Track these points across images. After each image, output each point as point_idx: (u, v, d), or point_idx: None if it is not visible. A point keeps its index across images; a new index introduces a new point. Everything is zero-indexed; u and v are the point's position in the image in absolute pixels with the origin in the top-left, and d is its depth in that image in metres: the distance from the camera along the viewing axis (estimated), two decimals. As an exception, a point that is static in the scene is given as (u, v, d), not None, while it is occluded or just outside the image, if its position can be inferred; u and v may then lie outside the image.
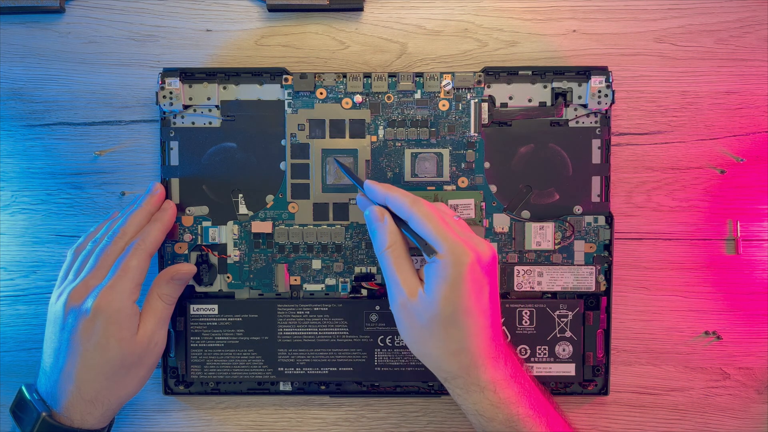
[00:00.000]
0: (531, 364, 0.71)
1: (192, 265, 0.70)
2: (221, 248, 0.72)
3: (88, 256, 0.66)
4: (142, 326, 0.65)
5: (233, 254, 0.72)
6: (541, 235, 0.71)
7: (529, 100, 0.71)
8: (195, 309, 0.72)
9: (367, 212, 0.66)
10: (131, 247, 0.65)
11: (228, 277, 0.72)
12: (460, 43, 0.74)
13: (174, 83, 0.70)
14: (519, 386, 0.63)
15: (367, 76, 0.71)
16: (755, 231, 0.73)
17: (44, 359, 0.65)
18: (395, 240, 0.64)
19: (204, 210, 0.72)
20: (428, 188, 0.71)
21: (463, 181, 0.71)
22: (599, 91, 0.70)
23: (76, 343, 0.62)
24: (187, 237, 0.72)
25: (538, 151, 0.71)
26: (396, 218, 0.64)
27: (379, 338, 0.72)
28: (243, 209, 0.72)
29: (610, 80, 0.70)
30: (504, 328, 0.71)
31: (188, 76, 0.71)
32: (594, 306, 0.72)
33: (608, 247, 0.71)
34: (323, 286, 0.72)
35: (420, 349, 0.64)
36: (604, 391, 0.72)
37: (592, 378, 0.72)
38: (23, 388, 0.65)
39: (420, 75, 0.71)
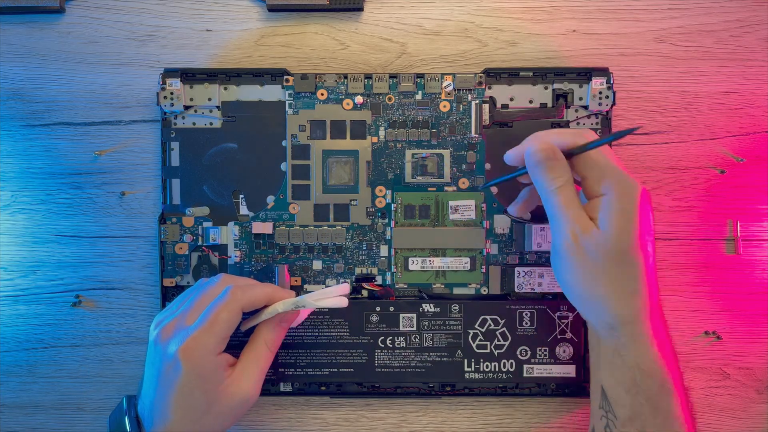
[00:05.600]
0: (531, 366, 0.72)
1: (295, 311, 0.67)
2: (222, 249, 0.72)
3: (192, 293, 0.65)
4: (244, 380, 0.63)
5: (234, 255, 0.72)
6: (542, 237, 0.71)
7: (530, 102, 0.71)
8: (196, 310, 0.71)
9: (529, 152, 0.62)
10: (225, 293, 0.63)
11: (228, 278, 0.72)
12: (460, 43, 0.74)
13: (175, 84, 0.70)
14: (672, 348, 0.61)
15: (368, 77, 0.71)
16: (755, 231, 0.73)
17: (144, 374, 0.64)
18: (568, 177, 0.61)
19: (205, 211, 0.72)
20: (429, 189, 0.72)
21: (463, 182, 0.71)
22: (600, 93, 0.70)
23: (164, 382, 0.61)
24: (188, 238, 0.72)
25: (539, 153, 0.71)
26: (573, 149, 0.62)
27: (380, 339, 0.72)
28: (244, 210, 0.72)
29: (611, 81, 0.70)
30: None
31: (189, 76, 0.71)
32: (594, 307, 0.72)
33: (609, 248, 0.71)
34: (324, 287, 0.72)
35: (589, 291, 0.61)
36: (604, 391, 0.72)
37: (593, 379, 0.72)
38: (124, 402, 0.65)
39: (421, 76, 0.71)
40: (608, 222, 0.59)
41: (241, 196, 0.72)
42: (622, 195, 0.59)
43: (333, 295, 0.65)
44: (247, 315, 0.66)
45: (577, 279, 0.61)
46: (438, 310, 0.72)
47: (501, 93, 0.71)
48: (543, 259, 0.72)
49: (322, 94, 0.71)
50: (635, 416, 0.60)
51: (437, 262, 0.72)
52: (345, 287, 0.66)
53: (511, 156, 0.65)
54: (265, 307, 0.66)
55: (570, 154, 0.61)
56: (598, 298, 0.61)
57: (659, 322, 0.61)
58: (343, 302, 0.65)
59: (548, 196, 0.61)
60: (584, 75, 0.71)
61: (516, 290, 0.72)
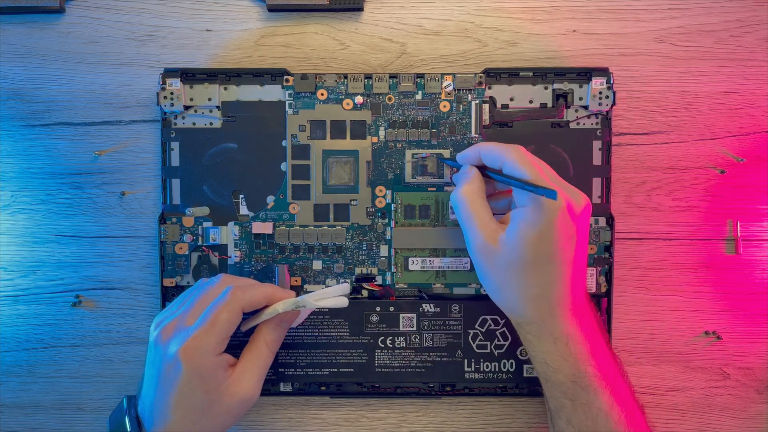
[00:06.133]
0: (532, 366, 0.71)
1: (297, 311, 0.67)
2: (222, 249, 0.72)
3: (192, 293, 0.65)
4: (244, 381, 0.64)
5: (234, 255, 0.72)
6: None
7: (530, 102, 0.71)
8: (196, 310, 0.71)
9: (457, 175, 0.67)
10: (226, 293, 0.63)
11: (228, 278, 0.72)
12: (460, 43, 0.73)
13: (175, 84, 0.70)
14: (592, 345, 0.62)
15: (368, 77, 0.71)
16: (755, 231, 0.73)
17: (144, 374, 0.64)
18: (474, 185, 0.64)
19: (205, 211, 0.72)
20: (429, 189, 0.71)
21: (463, 182, 0.71)
22: (600, 93, 0.70)
23: (164, 382, 0.61)
24: (188, 238, 0.72)
25: (539, 153, 0.71)
26: (491, 173, 0.64)
27: (380, 339, 0.72)
28: (244, 210, 0.72)
29: (611, 81, 0.70)
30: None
31: (189, 76, 0.71)
32: (594, 307, 0.72)
33: (609, 248, 0.71)
34: (324, 287, 0.72)
35: (497, 294, 0.64)
36: (604, 391, 0.72)
37: (593, 379, 0.72)
38: (124, 402, 0.65)
39: (421, 76, 0.71)
40: (517, 233, 0.61)
41: (241, 196, 0.72)
42: (541, 208, 0.60)
43: (333, 295, 0.65)
44: (248, 315, 0.66)
45: (487, 282, 0.65)
46: (438, 310, 0.72)
47: (501, 93, 0.71)
48: (543, 259, 0.72)
49: (322, 94, 0.71)
50: (559, 408, 0.64)
51: (437, 262, 0.72)
52: (345, 287, 0.66)
53: (462, 156, 0.67)
54: (266, 307, 0.66)
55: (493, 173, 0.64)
56: (505, 300, 0.64)
57: (575, 320, 0.62)
58: (343, 302, 0.65)
59: (455, 203, 0.65)
60: (584, 75, 0.71)
61: (516, 290, 0.72)
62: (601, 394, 0.61)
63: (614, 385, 0.62)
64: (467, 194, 0.63)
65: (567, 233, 0.60)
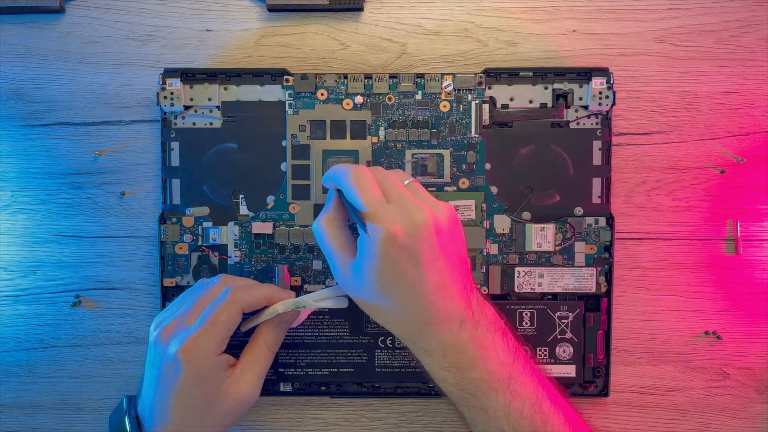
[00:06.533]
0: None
1: (296, 311, 0.67)
2: (222, 249, 0.72)
3: (192, 293, 0.66)
4: (244, 381, 0.64)
5: (234, 255, 0.72)
6: (542, 237, 0.71)
7: (530, 102, 0.71)
8: (196, 310, 0.71)
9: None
10: (225, 294, 0.63)
11: (228, 278, 0.72)
12: (460, 43, 0.73)
13: (175, 84, 0.70)
14: (479, 348, 0.61)
15: (368, 77, 0.71)
16: (755, 231, 0.73)
17: (144, 374, 0.65)
18: (330, 213, 0.64)
19: (205, 211, 0.72)
20: (429, 189, 0.71)
21: (463, 182, 0.71)
22: (600, 93, 0.70)
23: (164, 383, 0.62)
24: (188, 238, 0.72)
25: (539, 153, 0.71)
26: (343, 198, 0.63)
27: (380, 339, 0.72)
28: (244, 210, 0.72)
29: (611, 81, 0.70)
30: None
31: (189, 76, 0.71)
32: (594, 307, 0.72)
33: (609, 248, 0.71)
34: (324, 287, 0.72)
35: (372, 316, 0.64)
36: (604, 392, 0.72)
37: (593, 379, 0.72)
38: (124, 402, 0.65)
39: (421, 76, 0.71)
40: (360, 264, 0.61)
41: (241, 196, 0.72)
42: (370, 239, 0.59)
43: (333, 296, 0.65)
44: (248, 315, 0.66)
45: (359, 304, 0.64)
46: (438, 310, 0.72)
47: (501, 93, 0.71)
48: (543, 259, 0.72)
49: (322, 94, 0.71)
50: (462, 415, 0.64)
51: (437, 262, 0.72)
52: None
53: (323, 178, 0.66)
54: (266, 307, 0.66)
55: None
56: (378, 322, 0.65)
57: (447, 331, 0.61)
58: (344, 302, 0.66)
59: (315, 233, 0.65)
60: (584, 75, 0.71)
61: (516, 290, 0.72)
62: (495, 395, 0.60)
63: (512, 380, 0.61)
64: (323, 224, 0.63)
65: (404, 256, 0.59)
